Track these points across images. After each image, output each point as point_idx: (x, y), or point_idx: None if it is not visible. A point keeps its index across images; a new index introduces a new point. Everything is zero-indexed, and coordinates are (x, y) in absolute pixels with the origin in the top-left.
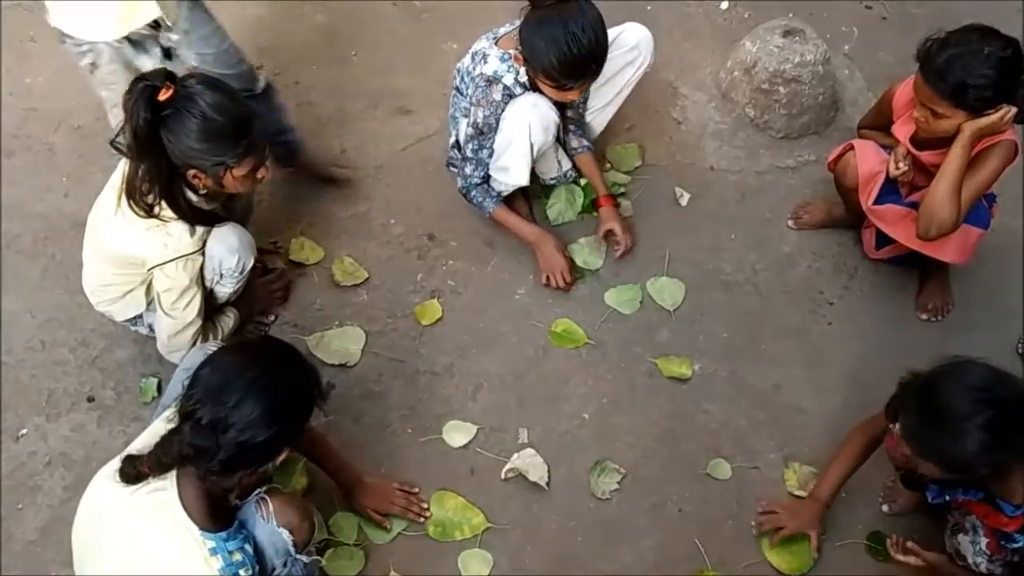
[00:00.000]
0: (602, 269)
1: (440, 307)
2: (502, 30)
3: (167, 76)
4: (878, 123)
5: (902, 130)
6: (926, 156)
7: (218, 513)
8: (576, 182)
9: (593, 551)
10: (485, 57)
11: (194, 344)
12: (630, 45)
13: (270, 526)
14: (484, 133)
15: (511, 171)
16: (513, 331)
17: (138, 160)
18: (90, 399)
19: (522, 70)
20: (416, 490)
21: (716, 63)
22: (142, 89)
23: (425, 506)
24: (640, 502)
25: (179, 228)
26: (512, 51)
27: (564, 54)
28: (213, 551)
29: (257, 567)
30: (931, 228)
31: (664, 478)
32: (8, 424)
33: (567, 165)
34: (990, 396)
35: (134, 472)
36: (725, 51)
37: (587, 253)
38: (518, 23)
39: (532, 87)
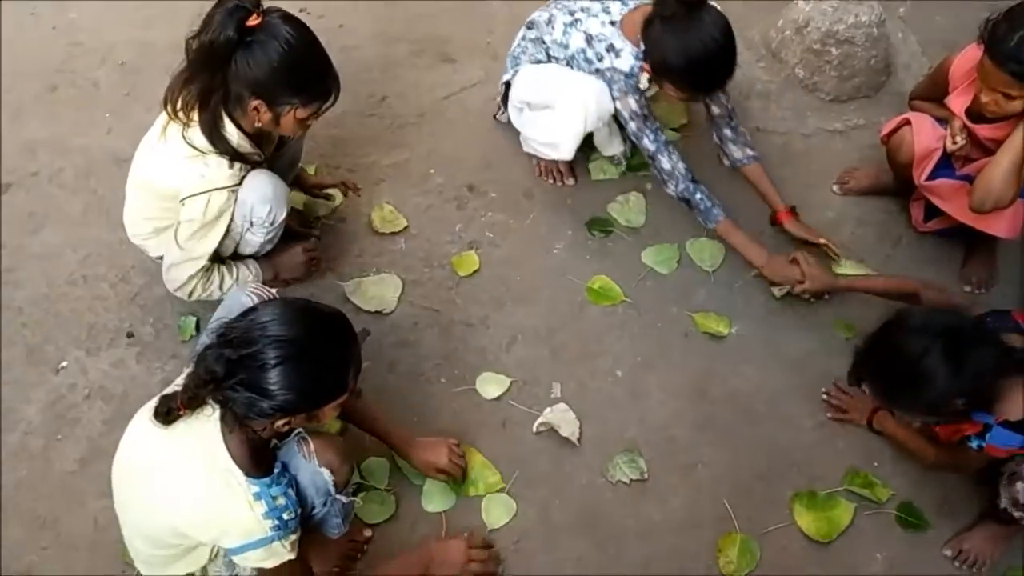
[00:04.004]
0: (643, 228)
1: (477, 258)
2: (615, 7)
3: (257, 4)
4: (932, 94)
5: (958, 102)
6: (982, 130)
7: (261, 458)
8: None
9: (621, 508)
10: (617, 52)
11: (191, 285)
12: None
13: (312, 465)
14: (646, 116)
15: (560, 147)
16: (550, 285)
17: (194, 73)
18: (129, 335)
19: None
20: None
21: (767, 21)
22: (234, 8)
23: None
24: (670, 461)
25: (217, 161)
26: (638, 49)
27: (698, 70)
28: (257, 496)
29: (299, 510)
30: (987, 202)
31: (695, 438)
32: (49, 356)
33: (617, 149)
34: (933, 329)
35: (166, 409)
36: (776, 9)
37: (628, 212)
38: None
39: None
